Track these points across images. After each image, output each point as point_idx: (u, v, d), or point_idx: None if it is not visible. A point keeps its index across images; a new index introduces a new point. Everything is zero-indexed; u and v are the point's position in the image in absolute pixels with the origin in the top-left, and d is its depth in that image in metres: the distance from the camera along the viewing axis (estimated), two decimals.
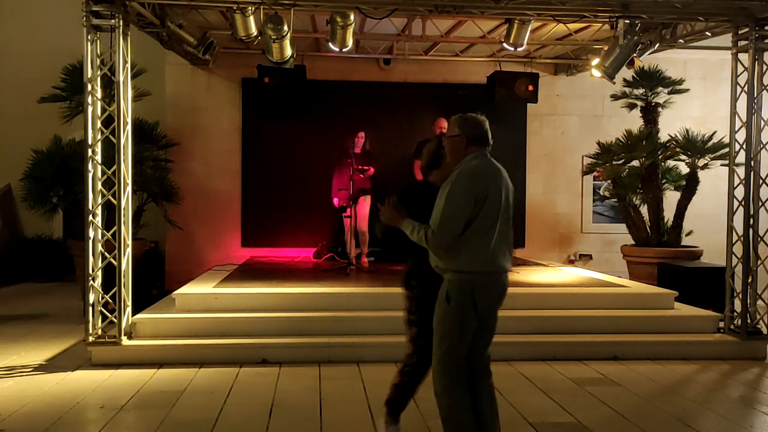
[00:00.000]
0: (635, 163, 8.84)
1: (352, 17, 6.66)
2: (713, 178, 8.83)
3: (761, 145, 6.47)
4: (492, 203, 3.44)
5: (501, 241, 3.48)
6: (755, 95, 6.36)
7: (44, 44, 10.38)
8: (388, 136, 9.61)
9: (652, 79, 8.99)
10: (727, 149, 7.39)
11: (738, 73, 6.51)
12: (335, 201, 8.51)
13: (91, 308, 5.80)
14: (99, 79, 5.90)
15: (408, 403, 3.95)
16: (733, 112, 6.53)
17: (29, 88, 9.59)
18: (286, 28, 6.55)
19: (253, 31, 6.80)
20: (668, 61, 9.28)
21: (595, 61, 7.90)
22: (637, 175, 8.85)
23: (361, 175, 8.18)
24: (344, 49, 7.15)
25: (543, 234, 10.26)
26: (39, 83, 9.03)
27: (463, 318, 3.44)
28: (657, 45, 7.46)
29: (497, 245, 3.46)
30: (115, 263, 5.87)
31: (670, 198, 9.01)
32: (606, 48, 7.33)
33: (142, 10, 6.47)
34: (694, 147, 8.58)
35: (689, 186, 8.74)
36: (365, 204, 8.50)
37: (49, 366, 5.68)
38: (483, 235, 3.43)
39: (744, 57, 6.44)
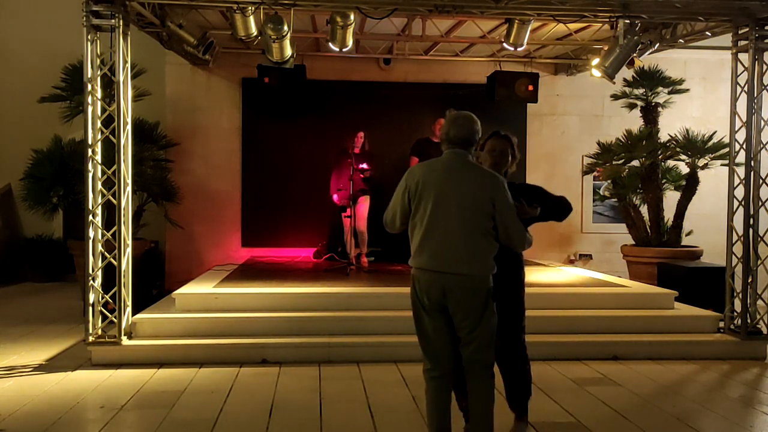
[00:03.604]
0: (635, 163, 8.84)
1: (352, 17, 6.66)
2: (713, 178, 8.82)
3: (761, 145, 6.47)
4: (422, 200, 3.49)
5: (437, 238, 3.45)
6: (755, 95, 6.36)
7: (44, 44, 10.37)
8: (388, 136, 9.60)
9: (652, 79, 8.98)
10: (727, 149, 7.38)
11: (738, 73, 6.50)
12: (335, 197, 8.48)
13: (91, 308, 5.80)
14: (99, 79, 5.90)
15: (521, 394, 4.06)
16: (733, 112, 6.53)
17: (29, 88, 9.59)
18: (286, 28, 6.55)
19: (253, 31, 6.80)
20: (668, 61, 9.27)
21: (595, 61, 7.90)
22: (637, 175, 8.84)
23: (361, 175, 8.18)
24: (344, 49, 7.14)
25: (543, 234, 10.20)
26: (39, 83, 9.02)
27: (416, 312, 3.58)
28: (657, 45, 7.46)
29: (427, 242, 3.47)
30: (115, 263, 5.87)
31: (670, 198, 9.00)
32: (606, 48, 7.33)
33: (142, 10, 6.47)
34: (694, 147, 8.58)
35: (689, 186, 8.74)
36: (364, 204, 8.50)
37: (49, 366, 5.68)
38: (416, 231, 3.54)
39: (744, 57, 6.44)
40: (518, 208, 3.58)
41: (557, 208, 3.98)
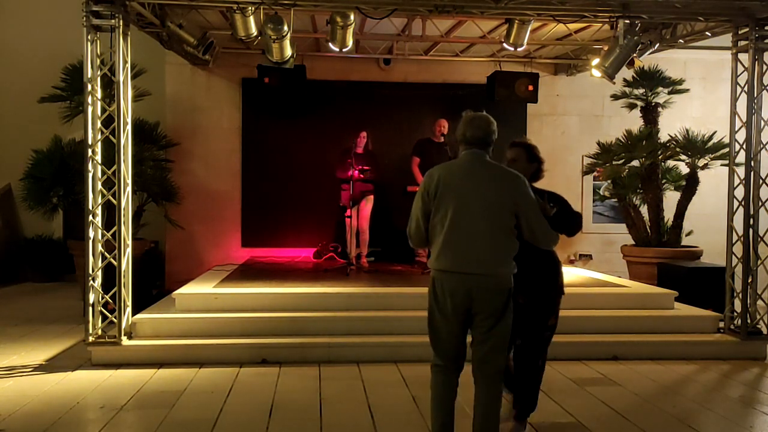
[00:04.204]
0: (635, 163, 8.84)
1: (352, 17, 6.66)
2: (713, 178, 8.82)
3: (761, 145, 6.47)
4: (442, 202, 3.44)
5: (460, 239, 3.41)
6: (755, 95, 6.36)
7: (44, 44, 10.38)
8: (388, 136, 9.60)
9: (652, 79, 8.98)
10: (727, 149, 7.38)
11: (738, 73, 6.50)
12: (349, 173, 8.19)
13: (91, 308, 5.80)
14: (99, 79, 5.90)
15: (527, 402, 4.14)
16: (733, 112, 6.53)
17: (29, 88, 9.59)
18: (286, 28, 6.55)
19: (253, 31, 6.80)
20: (668, 61, 9.27)
21: (595, 61, 7.90)
22: (637, 175, 8.84)
23: (362, 175, 8.17)
24: (344, 49, 7.14)
25: None
26: (39, 83, 9.02)
27: (431, 313, 3.55)
28: (657, 45, 7.46)
29: (450, 244, 3.43)
30: (115, 263, 5.87)
31: (670, 198, 9.00)
32: (606, 48, 7.33)
33: (142, 10, 6.47)
34: (694, 147, 8.58)
35: (689, 186, 8.74)
36: (368, 205, 8.50)
37: (49, 366, 5.68)
38: (437, 234, 3.49)
39: (744, 57, 6.44)
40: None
41: (572, 221, 4.00)
